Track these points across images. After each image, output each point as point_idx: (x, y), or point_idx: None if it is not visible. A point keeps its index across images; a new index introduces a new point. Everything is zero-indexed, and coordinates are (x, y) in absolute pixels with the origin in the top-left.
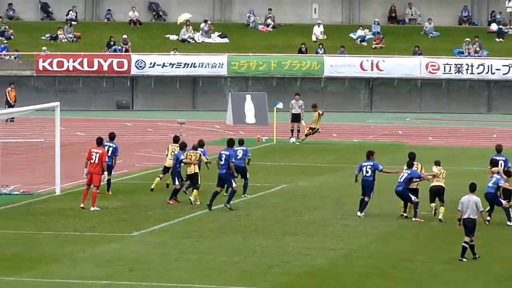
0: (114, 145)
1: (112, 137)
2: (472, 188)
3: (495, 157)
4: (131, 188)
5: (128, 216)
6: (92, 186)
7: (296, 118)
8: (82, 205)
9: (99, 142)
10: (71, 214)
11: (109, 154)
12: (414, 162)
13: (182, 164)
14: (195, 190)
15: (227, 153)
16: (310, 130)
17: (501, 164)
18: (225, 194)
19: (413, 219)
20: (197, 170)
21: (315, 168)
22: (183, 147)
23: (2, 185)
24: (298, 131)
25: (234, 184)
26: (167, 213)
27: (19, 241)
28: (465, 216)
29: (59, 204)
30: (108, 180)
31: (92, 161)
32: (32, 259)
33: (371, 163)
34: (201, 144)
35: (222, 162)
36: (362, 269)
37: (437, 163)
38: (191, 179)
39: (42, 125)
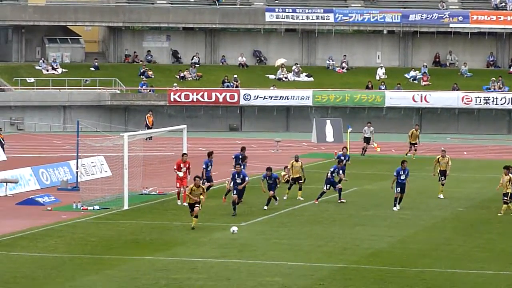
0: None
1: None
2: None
3: None
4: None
5: (238, 210)
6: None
7: (367, 140)
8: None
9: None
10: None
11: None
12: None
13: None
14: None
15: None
16: (411, 145)
17: None
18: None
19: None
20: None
21: (378, 175)
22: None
23: (143, 187)
24: (365, 150)
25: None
26: (268, 209)
27: (156, 229)
28: None
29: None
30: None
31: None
32: (165, 243)
33: None
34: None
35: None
36: (413, 251)
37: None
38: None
39: (173, 143)
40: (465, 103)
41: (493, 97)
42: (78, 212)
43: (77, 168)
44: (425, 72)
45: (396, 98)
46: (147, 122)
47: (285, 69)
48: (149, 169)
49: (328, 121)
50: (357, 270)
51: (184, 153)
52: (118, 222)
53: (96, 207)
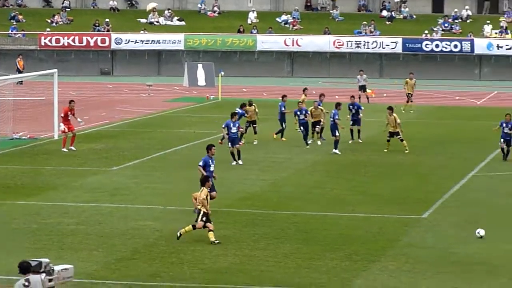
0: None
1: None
2: None
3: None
4: (111, 134)
5: (109, 155)
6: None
7: (362, 88)
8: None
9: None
10: (65, 153)
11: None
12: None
13: None
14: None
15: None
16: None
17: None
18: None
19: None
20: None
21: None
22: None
23: (14, 132)
24: (368, 97)
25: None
26: (139, 153)
27: (27, 174)
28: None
29: (57, 146)
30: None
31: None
32: (37, 187)
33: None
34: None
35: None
36: (285, 194)
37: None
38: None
39: (43, 87)
40: (336, 47)
41: (364, 41)
42: None
43: None
44: (294, 17)
45: (268, 42)
46: (18, 67)
47: (156, 13)
48: (20, 114)
49: (200, 65)
50: (229, 213)
51: (72, 100)
52: None
53: None
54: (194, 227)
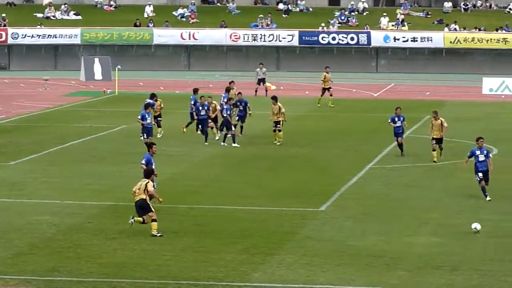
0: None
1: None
2: None
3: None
4: (8, 129)
5: (6, 150)
6: None
7: (262, 81)
8: None
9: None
10: None
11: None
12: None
13: None
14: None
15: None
16: (325, 90)
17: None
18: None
19: (233, 144)
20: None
21: None
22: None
23: None
24: (266, 90)
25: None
26: (36, 148)
27: None
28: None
29: None
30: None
31: None
32: None
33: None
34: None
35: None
36: (183, 188)
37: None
38: None
39: None
40: (233, 40)
41: (261, 34)
42: None
43: None
44: (192, 10)
45: (165, 36)
46: None
47: (53, 7)
48: None
49: (96, 59)
50: (127, 207)
51: None
52: None
53: None
54: (154, 220)
